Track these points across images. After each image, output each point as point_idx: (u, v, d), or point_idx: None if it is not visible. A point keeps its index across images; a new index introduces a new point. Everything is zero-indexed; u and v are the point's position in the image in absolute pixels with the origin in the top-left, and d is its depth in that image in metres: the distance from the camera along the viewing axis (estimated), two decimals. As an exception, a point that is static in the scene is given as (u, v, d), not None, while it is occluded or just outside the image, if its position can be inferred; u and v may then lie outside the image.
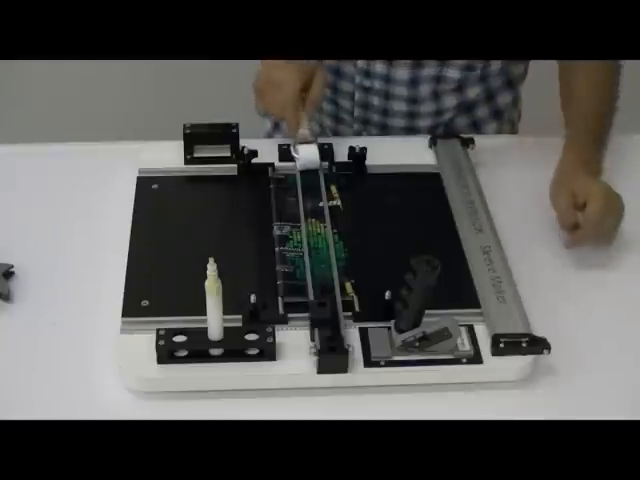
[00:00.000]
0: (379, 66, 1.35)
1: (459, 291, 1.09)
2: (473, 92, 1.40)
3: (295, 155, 1.23)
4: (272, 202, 1.20)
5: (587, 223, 1.15)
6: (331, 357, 0.98)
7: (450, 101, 1.39)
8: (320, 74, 1.29)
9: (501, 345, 1.01)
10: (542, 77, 1.44)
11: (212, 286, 0.95)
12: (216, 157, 1.27)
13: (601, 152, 1.25)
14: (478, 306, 1.07)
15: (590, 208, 1.15)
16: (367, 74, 1.37)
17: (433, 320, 1.01)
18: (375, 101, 1.39)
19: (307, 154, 1.23)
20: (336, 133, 1.47)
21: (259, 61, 1.30)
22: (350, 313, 1.05)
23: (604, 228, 1.16)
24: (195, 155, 1.28)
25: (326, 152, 1.27)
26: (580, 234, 1.16)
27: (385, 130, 1.42)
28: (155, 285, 1.09)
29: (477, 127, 1.45)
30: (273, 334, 0.99)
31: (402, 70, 1.34)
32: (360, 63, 1.36)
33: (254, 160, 1.26)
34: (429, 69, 1.34)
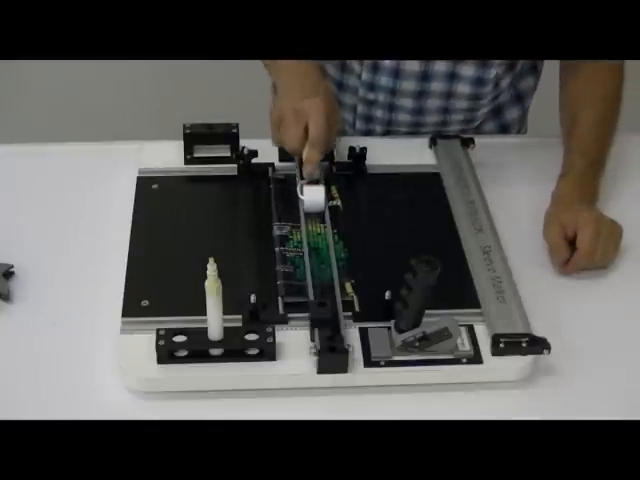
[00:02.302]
0: (384, 79, 1.33)
1: (459, 291, 1.09)
2: (482, 112, 1.38)
3: (301, 196, 1.17)
4: (272, 202, 1.20)
5: (578, 253, 1.14)
6: (331, 357, 0.98)
7: (457, 115, 1.37)
8: (339, 116, 1.25)
9: (501, 345, 1.01)
10: (544, 82, 1.45)
11: (212, 286, 0.95)
12: (216, 157, 1.27)
13: (598, 180, 1.24)
14: (478, 306, 1.07)
15: (581, 237, 1.15)
16: (371, 87, 1.35)
17: (433, 320, 1.01)
18: (379, 114, 1.38)
19: (313, 196, 1.16)
20: None
21: (263, 66, 1.29)
22: (350, 313, 1.05)
23: (596, 255, 1.15)
24: (195, 155, 1.28)
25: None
26: (573, 263, 1.15)
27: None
28: (155, 285, 1.09)
29: None
30: (273, 334, 0.99)
31: (408, 82, 1.32)
32: (364, 76, 1.34)
33: (254, 160, 1.26)
34: (437, 83, 1.32)
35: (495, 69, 1.31)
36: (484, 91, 1.34)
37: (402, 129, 1.39)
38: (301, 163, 1.18)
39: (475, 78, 1.32)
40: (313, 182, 1.18)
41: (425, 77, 1.32)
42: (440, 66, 1.30)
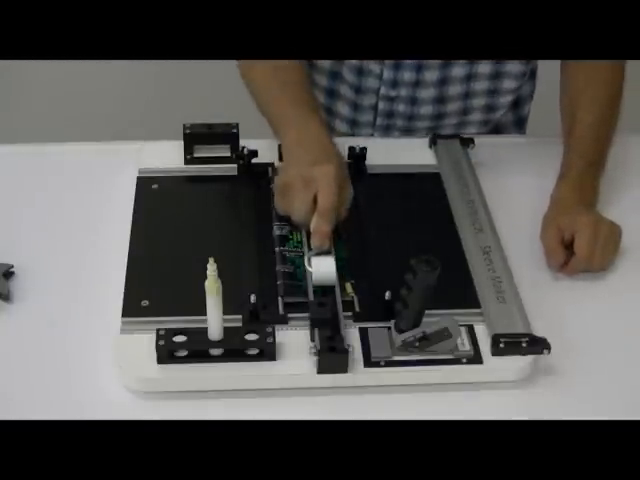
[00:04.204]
0: (407, 74, 1.32)
1: (459, 291, 1.09)
2: (505, 99, 1.38)
3: (309, 269, 1.08)
4: (272, 202, 1.20)
5: (576, 258, 1.14)
6: (331, 357, 0.98)
7: (479, 100, 1.37)
8: (350, 185, 1.16)
9: (501, 345, 1.01)
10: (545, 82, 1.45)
11: (212, 286, 0.95)
12: (216, 157, 1.27)
13: (598, 180, 1.24)
14: (478, 306, 1.07)
15: (578, 241, 1.14)
16: (394, 84, 1.34)
17: (433, 320, 1.01)
18: (401, 108, 1.37)
19: (324, 268, 1.07)
20: None
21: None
22: (350, 313, 1.05)
23: (595, 259, 1.14)
24: (195, 155, 1.28)
25: (326, 152, 1.27)
26: (571, 267, 1.14)
27: (409, 134, 1.40)
28: (155, 285, 1.09)
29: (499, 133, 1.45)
30: (273, 334, 0.99)
31: (431, 73, 1.32)
32: (386, 75, 1.33)
33: (254, 160, 1.26)
34: (458, 68, 1.32)
35: None
36: (506, 69, 1.34)
37: (423, 123, 1.39)
38: (309, 234, 1.11)
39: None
40: (322, 253, 1.10)
41: (447, 64, 1.32)
42: None
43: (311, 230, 1.10)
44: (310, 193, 1.10)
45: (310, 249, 1.10)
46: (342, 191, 1.12)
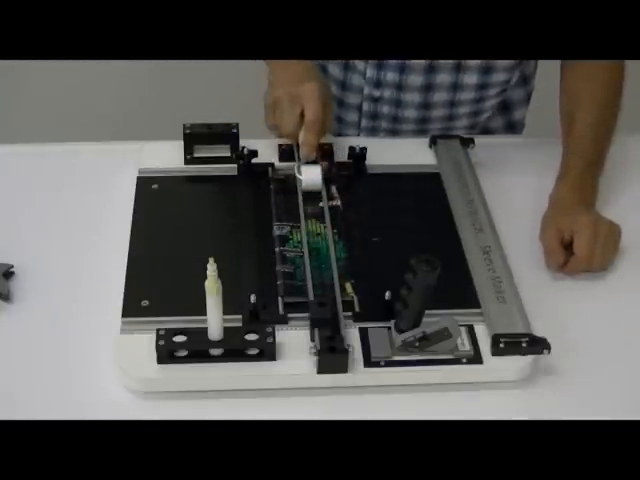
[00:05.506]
0: (390, 74, 1.33)
1: (459, 291, 1.09)
2: (490, 103, 1.39)
3: (299, 176, 1.20)
4: (272, 202, 1.20)
5: (576, 258, 1.14)
6: (331, 357, 0.98)
7: (464, 108, 1.38)
8: (333, 100, 1.26)
9: (501, 345, 1.01)
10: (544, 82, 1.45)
11: (212, 286, 0.95)
12: (216, 157, 1.27)
13: (597, 180, 1.24)
14: (478, 306, 1.07)
15: (577, 242, 1.14)
16: (377, 84, 1.35)
17: (433, 320, 1.01)
18: (385, 110, 1.38)
19: (310, 175, 1.20)
20: None
21: (262, 65, 1.29)
22: (350, 313, 1.05)
23: (595, 259, 1.14)
24: (195, 155, 1.28)
25: (326, 152, 1.27)
26: (570, 268, 1.14)
27: (394, 136, 1.40)
28: (155, 285, 1.09)
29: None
30: (273, 334, 0.99)
31: (415, 76, 1.32)
32: (369, 73, 1.34)
33: (254, 160, 1.26)
34: (444, 75, 1.32)
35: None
36: (492, 80, 1.34)
37: (408, 125, 1.39)
38: (297, 147, 1.22)
39: (482, 67, 1.32)
40: (310, 163, 1.21)
41: (431, 69, 1.32)
42: None
43: (299, 142, 1.21)
44: (297, 108, 1.20)
45: (299, 159, 1.22)
46: (326, 107, 1.21)
